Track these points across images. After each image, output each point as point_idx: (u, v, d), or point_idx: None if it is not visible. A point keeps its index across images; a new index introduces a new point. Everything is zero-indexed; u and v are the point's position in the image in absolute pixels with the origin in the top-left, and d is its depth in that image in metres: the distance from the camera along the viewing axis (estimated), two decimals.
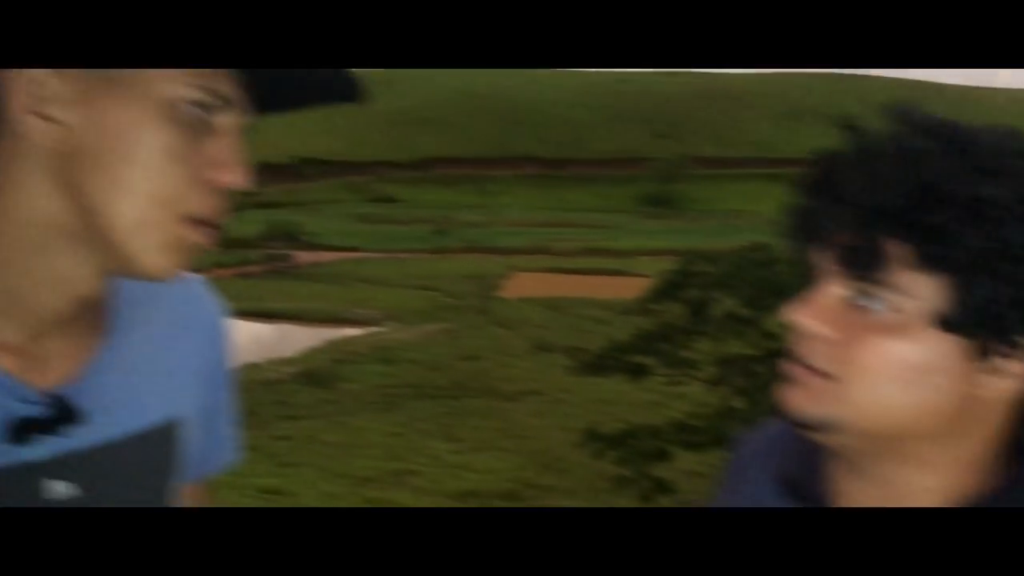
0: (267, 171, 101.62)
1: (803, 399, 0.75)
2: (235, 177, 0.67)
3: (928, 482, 0.76)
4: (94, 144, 0.63)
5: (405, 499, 21.65)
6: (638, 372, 11.67)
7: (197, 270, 0.79)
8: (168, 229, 0.65)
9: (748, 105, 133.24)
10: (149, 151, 0.63)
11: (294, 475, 23.09)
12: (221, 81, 0.65)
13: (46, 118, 0.63)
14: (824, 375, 0.74)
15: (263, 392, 31.82)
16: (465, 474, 23.12)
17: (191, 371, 0.82)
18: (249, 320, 40.85)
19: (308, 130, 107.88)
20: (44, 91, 0.62)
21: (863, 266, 0.72)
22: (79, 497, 0.71)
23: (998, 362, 0.71)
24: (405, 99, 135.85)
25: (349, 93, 0.71)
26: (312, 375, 34.16)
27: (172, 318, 0.80)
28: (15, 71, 0.61)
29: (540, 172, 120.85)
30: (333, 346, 40.38)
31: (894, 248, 0.71)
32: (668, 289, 11.54)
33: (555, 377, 33.24)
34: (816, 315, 0.74)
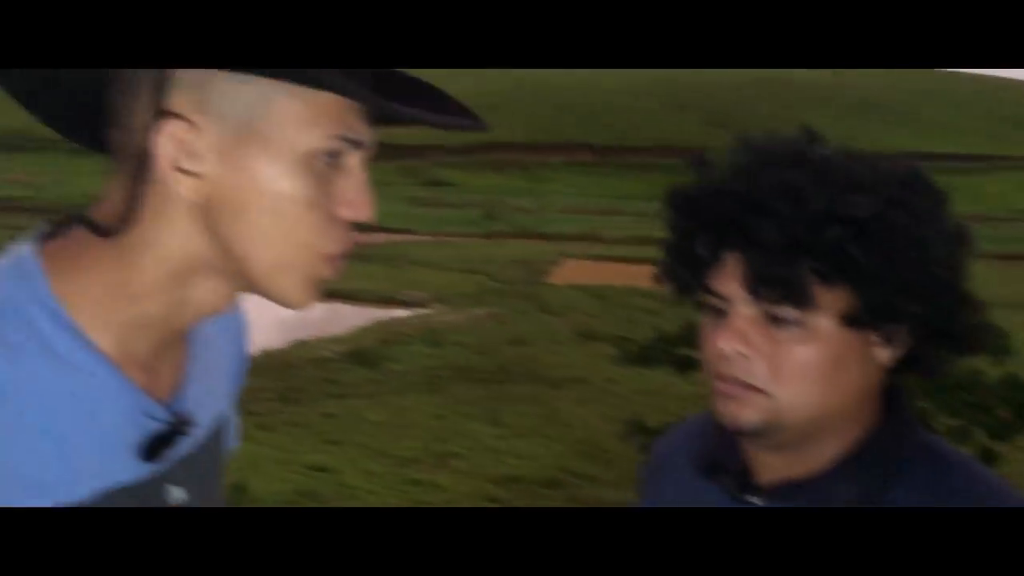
0: None
1: (738, 411, 0.87)
2: (364, 212, 0.74)
3: (834, 447, 0.89)
4: (235, 195, 0.70)
5: (446, 481, 21.84)
6: (685, 365, 11.59)
7: None
8: (305, 268, 0.73)
9: (809, 97, 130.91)
10: (287, 201, 0.70)
11: (339, 453, 23.36)
12: (354, 126, 0.71)
13: (189, 172, 0.69)
14: (753, 388, 0.85)
15: (312, 369, 32.21)
16: (507, 459, 23.18)
17: (230, 370, 0.90)
18: None
19: None
20: (187, 147, 0.68)
21: (775, 289, 0.81)
22: (187, 500, 0.78)
23: (889, 335, 0.85)
24: (459, 84, 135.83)
25: (468, 124, 0.76)
26: (360, 354, 34.51)
27: (219, 327, 0.86)
28: (158, 129, 0.66)
29: (591, 159, 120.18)
30: (381, 326, 40.69)
31: (796, 270, 0.80)
32: None
33: (601, 366, 33.16)
34: (734, 337, 0.85)
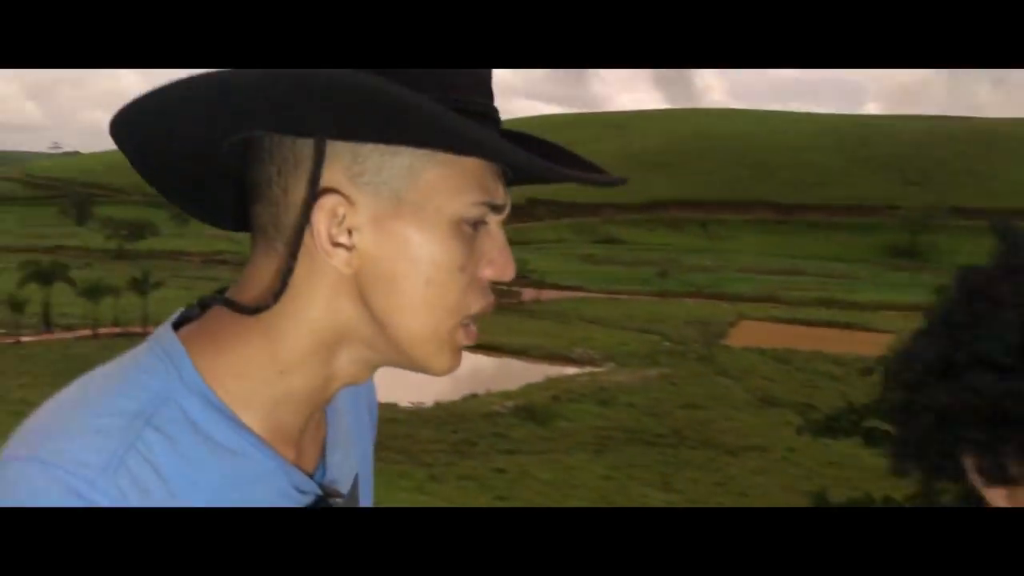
0: None
1: None
2: (506, 272, 0.72)
3: None
4: (387, 266, 0.68)
5: None
6: (876, 438, 10.69)
7: None
8: (452, 333, 0.70)
9: (1011, 150, 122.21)
10: (437, 269, 0.68)
11: None
12: (496, 191, 0.70)
13: (342, 245, 0.67)
14: None
15: (483, 423, 32.63)
16: None
17: (363, 429, 0.88)
18: (473, 352, 42.16)
19: None
20: (342, 221, 0.67)
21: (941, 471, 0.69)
22: None
23: None
24: (638, 141, 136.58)
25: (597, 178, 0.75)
26: (530, 410, 34.62)
27: (350, 389, 0.84)
28: (319, 204, 0.66)
29: (773, 217, 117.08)
30: (552, 383, 40.77)
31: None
32: None
33: (781, 434, 31.62)
34: None
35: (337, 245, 0.67)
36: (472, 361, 38.68)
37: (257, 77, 0.63)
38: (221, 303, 0.71)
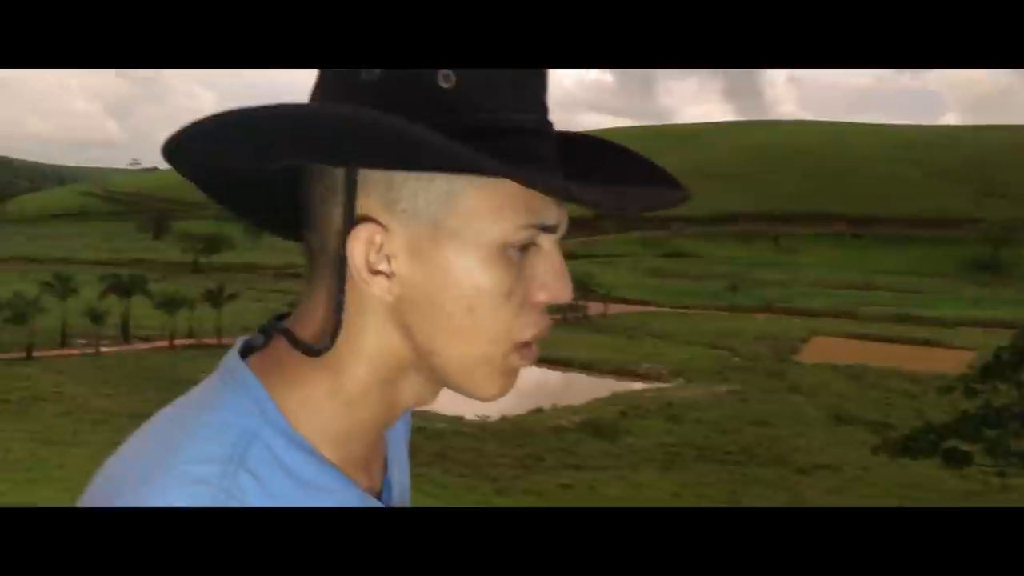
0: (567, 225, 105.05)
1: None
2: (561, 294, 0.69)
3: None
4: (428, 293, 0.67)
5: None
6: (956, 459, 10.34)
7: None
8: (499, 361, 0.69)
9: None
10: (480, 296, 0.66)
11: None
12: (545, 212, 0.67)
13: (383, 274, 0.67)
14: None
15: (549, 438, 32.50)
16: None
17: (405, 441, 0.88)
18: (540, 366, 42.06)
19: None
20: (379, 248, 0.66)
21: None
22: None
23: None
24: (709, 153, 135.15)
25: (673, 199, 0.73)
26: (597, 426, 34.37)
27: None
28: (353, 233, 0.66)
29: (846, 230, 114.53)
30: (619, 399, 40.41)
31: None
32: (1000, 367, 10.13)
33: (855, 453, 30.78)
34: None
35: (376, 273, 0.67)
36: (538, 375, 38.59)
37: (275, 111, 0.63)
38: (282, 334, 0.70)
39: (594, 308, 57.08)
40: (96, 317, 43.43)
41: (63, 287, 46.26)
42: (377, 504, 0.73)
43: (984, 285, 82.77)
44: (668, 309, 63.53)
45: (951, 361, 34.73)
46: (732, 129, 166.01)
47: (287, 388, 0.69)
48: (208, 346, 49.74)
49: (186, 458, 0.64)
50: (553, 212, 0.68)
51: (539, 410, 32.18)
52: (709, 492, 23.85)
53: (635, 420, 31.53)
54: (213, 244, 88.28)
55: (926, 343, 52.34)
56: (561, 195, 0.66)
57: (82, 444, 27.07)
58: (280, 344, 0.71)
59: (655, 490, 24.03)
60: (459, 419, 29.53)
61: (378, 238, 0.66)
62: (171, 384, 38.06)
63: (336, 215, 0.67)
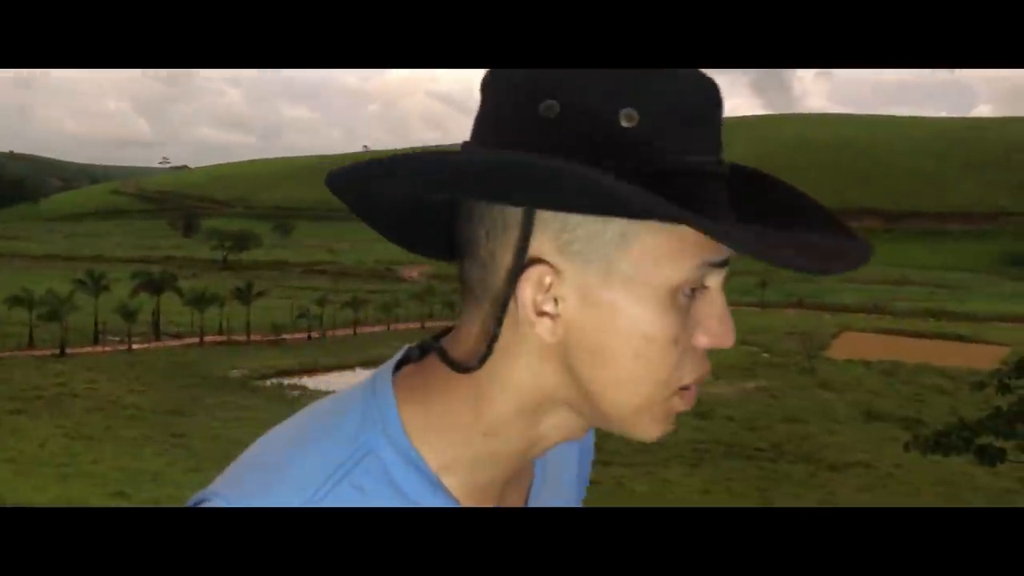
0: None
1: None
2: (725, 341, 0.67)
3: None
4: (595, 337, 0.65)
5: None
6: (989, 455, 10.19)
7: None
8: (663, 404, 0.68)
9: None
10: (648, 344, 0.65)
11: None
12: (717, 248, 0.66)
13: (549, 315, 0.65)
14: None
15: None
16: None
17: (575, 481, 0.87)
18: None
19: None
20: (549, 290, 0.65)
21: None
22: None
23: None
24: (737, 148, 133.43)
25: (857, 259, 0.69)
26: None
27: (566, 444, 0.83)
28: (526, 275, 0.65)
29: (878, 225, 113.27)
30: None
31: None
32: None
33: (887, 450, 30.43)
34: None
35: (542, 314, 0.65)
36: None
37: (456, 160, 0.64)
38: (437, 351, 0.70)
39: None
40: (128, 314, 44.01)
41: (95, 284, 46.92)
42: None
43: (1018, 279, 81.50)
44: None
45: (984, 357, 34.25)
46: (761, 123, 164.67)
47: (425, 408, 0.69)
48: (237, 343, 50.24)
49: (301, 455, 0.66)
50: (723, 249, 0.66)
51: None
52: (739, 489, 23.71)
53: None
54: (242, 242, 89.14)
55: (958, 338, 51.65)
56: (746, 250, 0.64)
57: (115, 439, 27.45)
58: (431, 362, 0.70)
59: (684, 487, 23.94)
60: None
61: (548, 279, 0.65)
62: (201, 380, 38.52)
63: (506, 253, 0.66)
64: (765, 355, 45.04)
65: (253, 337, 47.86)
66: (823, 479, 24.77)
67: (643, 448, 28.12)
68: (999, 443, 10.22)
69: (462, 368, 0.68)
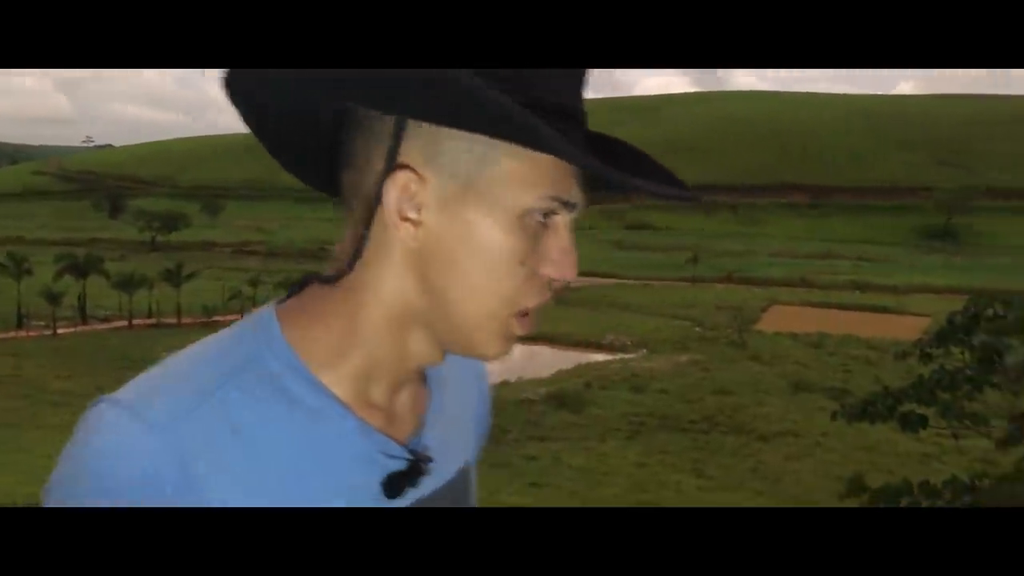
0: None
1: None
2: (567, 272, 0.74)
3: None
4: (450, 246, 0.71)
5: None
6: (912, 422, 10.53)
7: None
8: (506, 322, 0.73)
9: None
10: (499, 256, 0.71)
11: (539, 496, 23.38)
12: (568, 187, 0.72)
13: (411, 221, 0.71)
14: None
15: (514, 410, 32.66)
16: None
17: (474, 420, 0.92)
18: None
19: None
20: (412, 197, 0.71)
21: None
22: None
23: None
24: (666, 126, 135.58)
25: (673, 191, 0.77)
26: (562, 397, 34.59)
27: (461, 373, 0.89)
28: (391, 177, 0.70)
29: (804, 200, 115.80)
30: (584, 370, 40.67)
31: None
32: (953, 332, 10.31)
33: (814, 419, 31.31)
34: None
35: (405, 219, 0.71)
36: None
37: (341, 71, 0.68)
38: (313, 278, 0.76)
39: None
40: (52, 298, 42.69)
41: (17, 267, 45.38)
42: (388, 443, 0.75)
43: (938, 252, 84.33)
44: (631, 281, 63.92)
45: (907, 327, 35.40)
46: (690, 100, 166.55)
47: (305, 325, 0.74)
48: (168, 326, 49.17)
49: (185, 372, 0.71)
50: (575, 191, 0.73)
51: (505, 383, 32.32)
52: (673, 461, 24.18)
53: (600, 391, 31.79)
54: (170, 222, 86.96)
55: (883, 310, 53.30)
56: (595, 170, 0.70)
57: (42, 426, 26.68)
58: (310, 289, 0.76)
59: (620, 460, 24.31)
60: None
61: (413, 186, 0.71)
62: (131, 364, 37.60)
63: (379, 159, 0.71)
64: (697, 329, 45.85)
65: (184, 320, 46.89)
66: (754, 449, 25.41)
67: (580, 423, 28.47)
68: (921, 410, 10.57)
69: (335, 278, 0.74)
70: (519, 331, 0.74)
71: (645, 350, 40.17)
